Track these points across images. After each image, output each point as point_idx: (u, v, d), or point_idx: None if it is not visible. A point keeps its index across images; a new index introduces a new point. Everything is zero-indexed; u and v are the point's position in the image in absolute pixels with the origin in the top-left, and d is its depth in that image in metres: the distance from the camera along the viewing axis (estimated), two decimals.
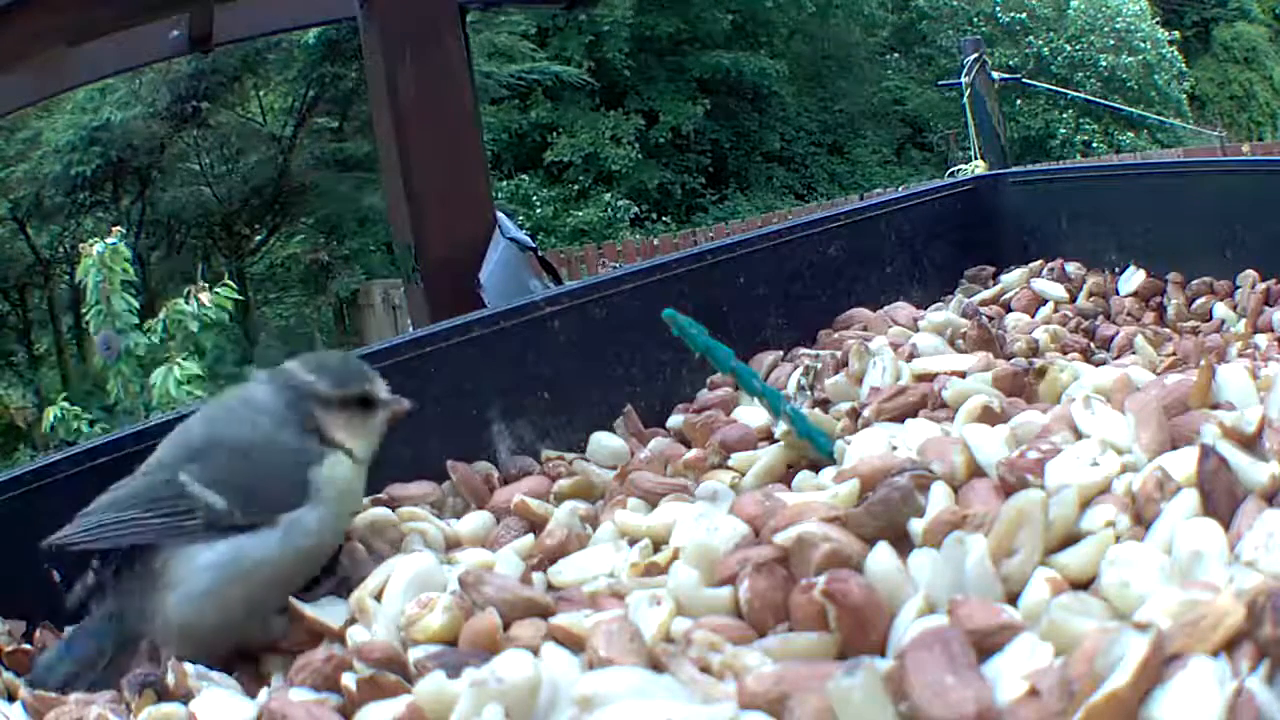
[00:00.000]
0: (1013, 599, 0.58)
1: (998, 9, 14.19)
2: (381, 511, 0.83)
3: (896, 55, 14.92)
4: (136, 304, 4.66)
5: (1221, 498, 0.59)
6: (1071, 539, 0.61)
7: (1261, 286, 1.02)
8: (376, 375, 0.81)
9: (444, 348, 0.94)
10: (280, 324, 9.30)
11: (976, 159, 5.78)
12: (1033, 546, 0.59)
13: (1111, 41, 13.96)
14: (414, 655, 0.63)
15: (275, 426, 0.77)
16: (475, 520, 0.84)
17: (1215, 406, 0.71)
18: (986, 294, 1.16)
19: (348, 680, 0.62)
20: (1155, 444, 0.67)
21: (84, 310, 4.97)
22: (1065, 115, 13.65)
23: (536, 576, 0.73)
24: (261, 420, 0.78)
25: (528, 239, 2.58)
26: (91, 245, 4.60)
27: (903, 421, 0.84)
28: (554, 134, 12.58)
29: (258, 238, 9.40)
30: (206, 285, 4.71)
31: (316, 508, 0.75)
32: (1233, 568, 0.54)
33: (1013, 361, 0.91)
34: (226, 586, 0.72)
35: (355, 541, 0.80)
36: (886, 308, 1.12)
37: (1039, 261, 1.18)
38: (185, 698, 0.67)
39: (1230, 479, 0.60)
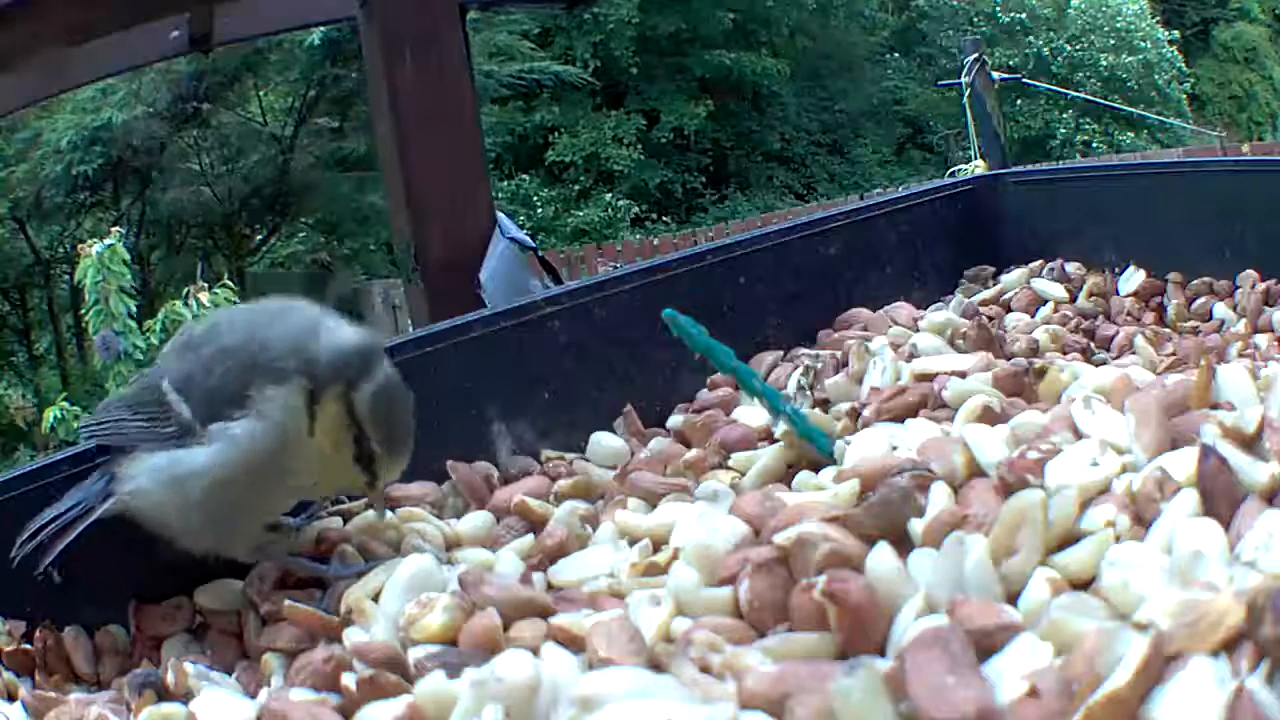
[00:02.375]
0: (1013, 599, 0.58)
1: (998, 9, 14.20)
2: None
3: (896, 55, 14.92)
4: (134, 305, 4.66)
5: (1221, 498, 0.59)
6: (1071, 539, 0.61)
7: (1261, 286, 1.02)
8: (397, 457, 0.76)
9: (444, 348, 0.94)
10: None
11: (976, 159, 5.78)
12: (1033, 546, 0.59)
13: (1111, 41, 13.97)
14: (414, 655, 0.63)
15: (263, 343, 0.75)
16: (475, 520, 0.84)
17: (1215, 406, 0.71)
18: (986, 294, 1.16)
19: (348, 680, 0.61)
20: (1155, 444, 0.66)
21: (83, 310, 4.97)
22: (1065, 115, 13.66)
23: (536, 576, 0.73)
24: (261, 330, 0.76)
25: (528, 239, 2.58)
26: (90, 246, 4.60)
27: (903, 421, 0.84)
28: (555, 134, 12.58)
29: (258, 238, 9.40)
30: (205, 285, 4.71)
31: (252, 421, 0.73)
32: (1233, 568, 0.54)
33: (1013, 361, 0.91)
34: (162, 493, 0.75)
35: (345, 544, 0.80)
36: (886, 308, 1.12)
37: (1039, 261, 1.18)
38: (185, 698, 0.67)
39: (1230, 479, 0.60)
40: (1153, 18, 14.67)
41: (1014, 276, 1.17)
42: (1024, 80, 9.56)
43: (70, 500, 0.77)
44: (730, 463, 0.85)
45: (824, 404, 0.94)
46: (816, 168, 13.78)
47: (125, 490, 0.76)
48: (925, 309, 1.11)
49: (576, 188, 12.51)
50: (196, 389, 0.75)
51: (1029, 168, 1.81)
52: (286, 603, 0.71)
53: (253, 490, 0.75)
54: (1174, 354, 0.95)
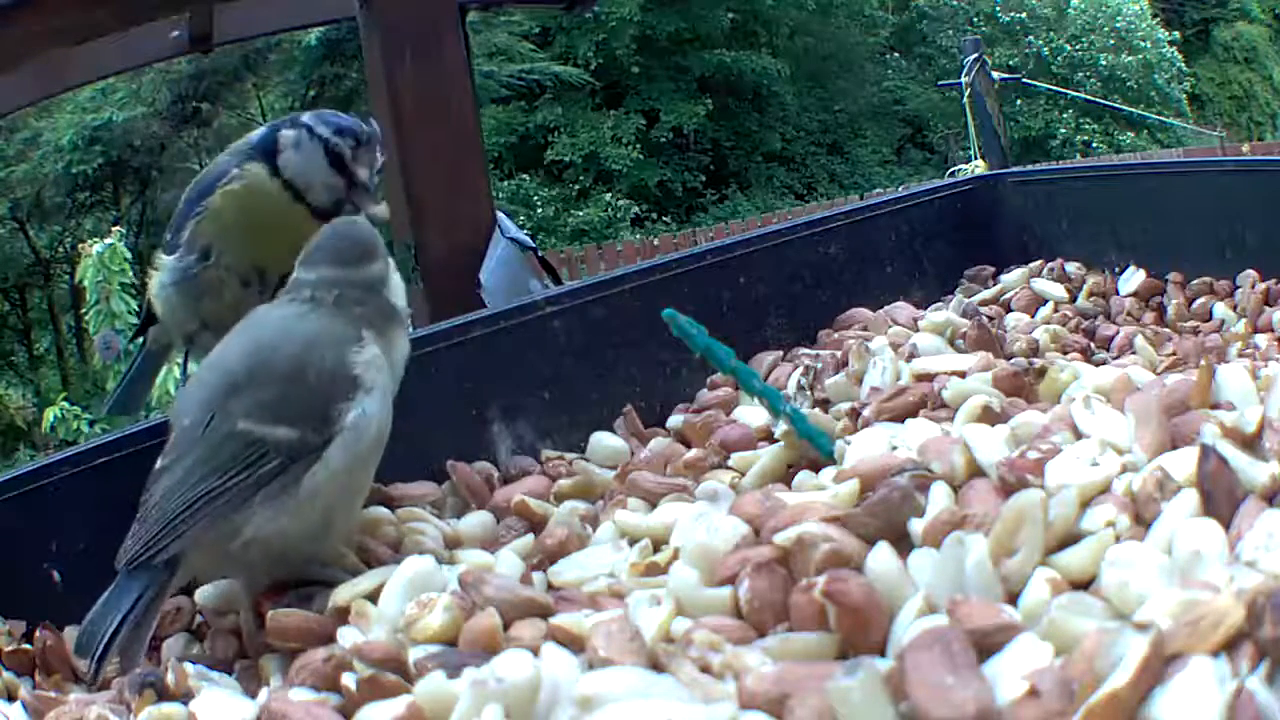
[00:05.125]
0: (1013, 599, 0.58)
1: (998, 9, 14.20)
2: (380, 511, 0.83)
3: (896, 55, 14.93)
4: (134, 305, 4.66)
5: (1221, 498, 0.59)
6: (1071, 539, 0.61)
7: (1261, 286, 1.02)
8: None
9: (444, 348, 0.94)
10: None
11: (976, 159, 5.78)
12: (1033, 546, 0.59)
13: (1111, 41, 13.98)
14: (414, 655, 0.63)
15: (312, 321, 0.76)
16: (475, 520, 0.84)
17: (1215, 406, 0.71)
18: (986, 294, 1.16)
19: (348, 680, 0.61)
20: (1155, 444, 0.66)
21: (84, 310, 4.98)
22: (1065, 115, 13.66)
23: (536, 576, 0.73)
24: (296, 321, 0.77)
25: (528, 239, 2.58)
26: (91, 245, 4.61)
27: (903, 421, 0.84)
28: (555, 134, 12.58)
29: None
30: None
31: (369, 392, 0.75)
32: (1233, 568, 0.54)
33: (1013, 361, 0.91)
34: (291, 520, 0.73)
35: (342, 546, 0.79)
36: (886, 308, 1.12)
37: (1039, 261, 1.18)
38: (185, 698, 0.67)
39: (1230, 479, 0.60)
40: (1153, 18, 14.68)
41: (1014, 276, 1.17)
42: (1024, 80, 9.57)
43: (130, 593, 0.71)
44: (730, 463, 0.85)
45: (824, 404, 0.94)
46: (816, 168, 13.78)
47: (245, 544, 0.72)
48: (925, 309, 1.11)
49: (576, 187, 12.51)
50: (295, 407, 0.73)
51: (1029, 168, 1.81)
52: (272, 612, 0.70)
53: (369, 467, 0.77)
54: (1174, 354, 0.95)
